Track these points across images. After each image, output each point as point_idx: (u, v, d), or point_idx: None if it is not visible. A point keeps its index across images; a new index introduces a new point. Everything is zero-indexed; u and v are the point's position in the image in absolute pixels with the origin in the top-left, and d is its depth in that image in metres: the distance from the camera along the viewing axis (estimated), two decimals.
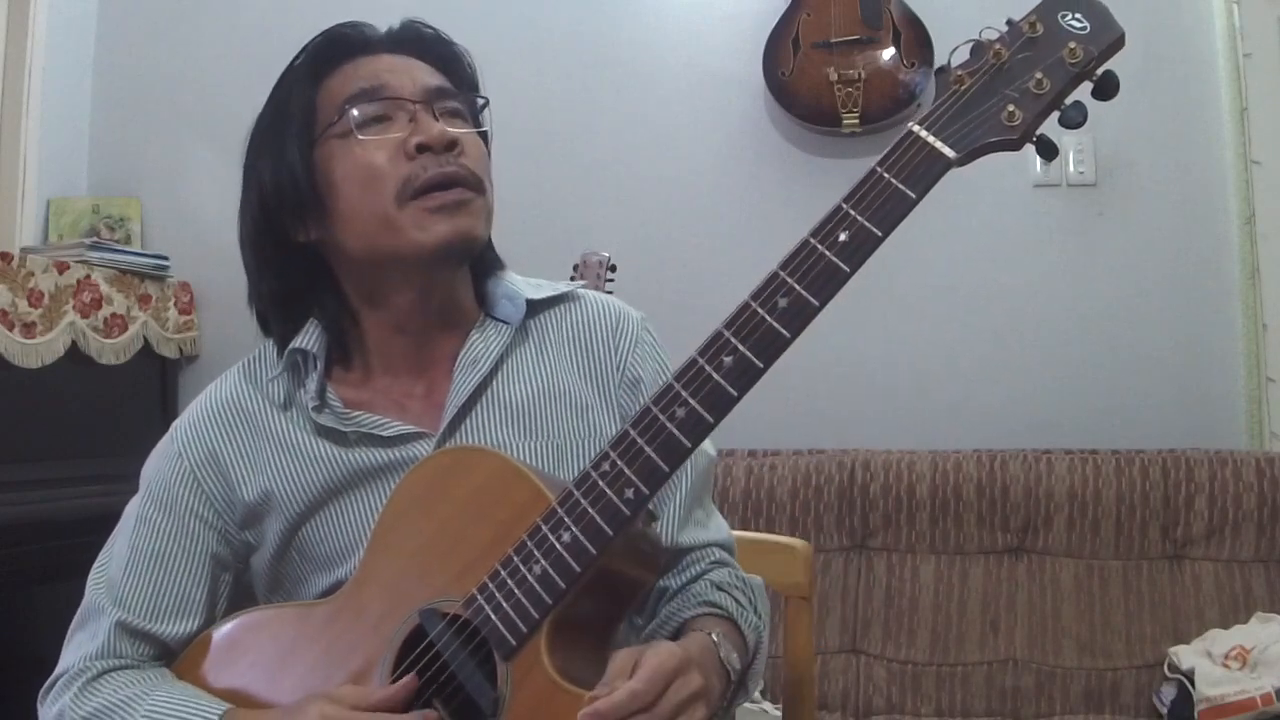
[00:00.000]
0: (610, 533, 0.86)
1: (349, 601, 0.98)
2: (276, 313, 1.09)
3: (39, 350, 2.40)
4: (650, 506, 0.90)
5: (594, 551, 0.86)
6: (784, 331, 0.84)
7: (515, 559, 0.88)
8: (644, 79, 2.87)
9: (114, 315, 2.63)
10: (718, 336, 0.86)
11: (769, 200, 2.76)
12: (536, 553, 0.87)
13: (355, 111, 1.02)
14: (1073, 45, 0.84)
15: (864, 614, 2.34)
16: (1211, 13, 2.67)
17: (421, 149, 1.01)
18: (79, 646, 1.03)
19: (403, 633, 0.93)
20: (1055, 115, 0.86)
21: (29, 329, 2.38)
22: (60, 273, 2.48)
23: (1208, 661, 2.07)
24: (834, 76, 2.62)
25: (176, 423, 1.10)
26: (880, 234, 0.83)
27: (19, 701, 1.25)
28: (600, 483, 0.87)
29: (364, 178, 1.01)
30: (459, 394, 1.04)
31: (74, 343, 2.49)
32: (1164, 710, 2.12)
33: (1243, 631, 2.12)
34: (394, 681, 0.91)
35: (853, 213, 0.84)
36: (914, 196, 0.84)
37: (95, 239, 2.74)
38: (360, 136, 1.02)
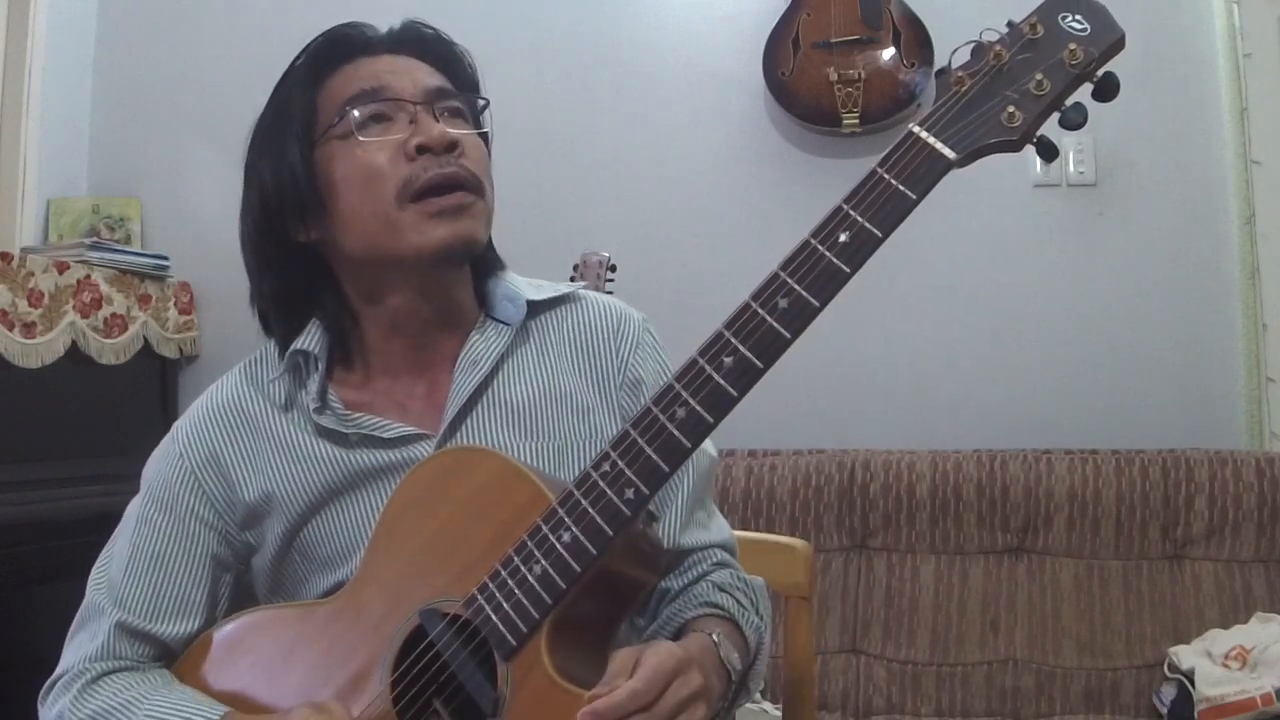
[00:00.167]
0: (610, 533, 0.86)
1: (350, 602, 0.98)
2: (278, 313, 1.09)
3: (39, 350, 2.40)
4: (651, 507, 0.90)
5: (594, 552, 0.86)
6: (784, 332, 0.84)
7: (515, 559, 0.88)
8: (644, 79, 2.87)
9: (114, 315, 2.63)
10: (718, 337, 0.86)
11: (769, 200, 2.76)
12: (537, 553, 0.87)
13: (356, 112, 1.02)
14: (1073, 47, 0.84)
15: (864, 614, 2.34)
16: (1211, 13, 2.67)
17: (422, 150, 1.01)
18: (79, 647, 1.03)
19: (403, 633, 0.93)
20: (1055, 116, 0.86)
21: (29, 329, 2.38)
22: (60, 273, 2.48)
23: (1208, 661, 2.07)
24: (834, 76, 2.62)
25: (177, 424, 1.10)
26: (881, 235, 0.83)
27: (19, 701, 1.26)
28: (600, 483, 0.87)
29: (364, 179, 1.01)
30: (459, 395, 1.04)
31: (74, 343, 2.49)
32: (1164, 710, 2.12)
33: (1243, 631, 2.12)
34: (393, 682, 0.92)
35: (853, 213, 0.84)
36: (914, 197, 0.84)
37: (95, 239, 2.74)
38: (361, 137, 1.02)
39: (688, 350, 0.87)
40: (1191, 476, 2.30)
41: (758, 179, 2.80)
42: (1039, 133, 0.86)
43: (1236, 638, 2.10)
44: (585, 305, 1.13)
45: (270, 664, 0.99)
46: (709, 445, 1.10)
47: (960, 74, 0.87)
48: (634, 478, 0.86)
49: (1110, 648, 2.23)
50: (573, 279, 2.25)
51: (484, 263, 1.11)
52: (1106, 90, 0.86)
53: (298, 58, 1.07)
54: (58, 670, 1.04)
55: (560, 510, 0.87)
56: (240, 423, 1.07)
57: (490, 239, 1.09)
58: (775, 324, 0.84)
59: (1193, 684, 2.04)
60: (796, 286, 0.84)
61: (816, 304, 0.84)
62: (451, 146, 1.02)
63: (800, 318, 0.84)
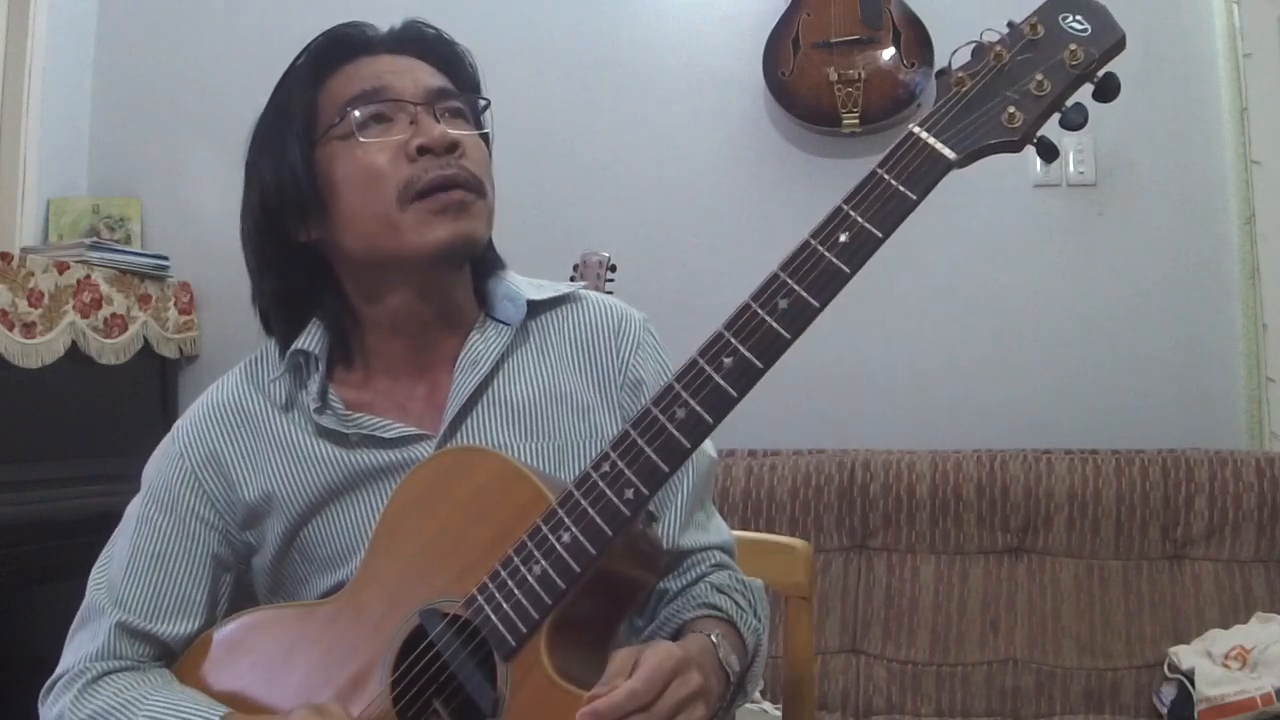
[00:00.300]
0: (610, 533, 0.85)
1: (350, 602, 0.98)
2: (278, 312, 1.09)
3: (39, 350, 2.40)
4: (650, 508, 0.90)
5: (593, 552, 0.86)
6: (784, 333, 0.84)
7: (515, 559, 0.88)
8: (644, 79, 2.87)
9: (114, 315, 2.63)
10: (718, 337, 0.86)
11: (769, 200, 2.76)
12: (536, 553, 0.87)
13: (357, 113, 1.02)
14: (1074, 47, 0.84)
15: (864, 614, 2.34)
16: (1211, 13, 2.67)
17: (422, 151, 1.00)
18: (79, 647, 1.03)
19: (403, 633, 0.93)
20: (1056, 117, 0.86)
21: (29, 329, 2.38)
22: (60, 273, 2.48)
23: (1208, 661, 2.07)
24: (834, 76, 2.62)
25: (178, 423, 1.10)
26: (881, 235, 0.83)
27: (19, 701, 1.26)
28: (600, 483, 0.86)
29: (365, 179, 1.01)
30: (459, 395, 1.04)
31: (74, 343, 2.49)
32: (1164, 710, 2.12)
33: (1243, 631, 2.13)
34: (393, 682, 0.92)
35: (853, 214, 0.84)
36: (914, 198, 0.84)
37: (95, 239, 2.74)
38: (361, 138, 1.02)
39: (688, 350, 0.87)
40: (1191, 476, 2.30)
41: (758, 179, 2.80)
42: (1039, 133, 0.86)
43: (1236, 638, 2.10)
44: (586, 305, 1.13)
45: (271, 664, 0.99)
46: (709, 446, 1.10)
47: (960, 74, 0.87)
48: (633, 478, 0.86)
49: (1110, 648, 2.23)
50: (573, 279, 2.25)
51: (484, 263, 1.11)
52: (1107, 91, 0.86)
53: (299, 57, 1.07)
54: (58, 670, 1.04)
55: (560, 510, 0.87)
56: (240, 422, 1.07)
57: (490, 239, 1.09)
58: (775, 324, 0.84)
59: (1193, 684, 2.04)
60: (796, 287, 0.84)
61: (816, 304, 0.84)
62: (452, 147, 1.02)
63: (800, 318, 0.84)
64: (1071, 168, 2.68)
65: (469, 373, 1.05)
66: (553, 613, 0.86)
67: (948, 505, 2.35)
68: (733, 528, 1.17)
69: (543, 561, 0.87)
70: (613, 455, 0.87)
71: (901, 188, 0.84)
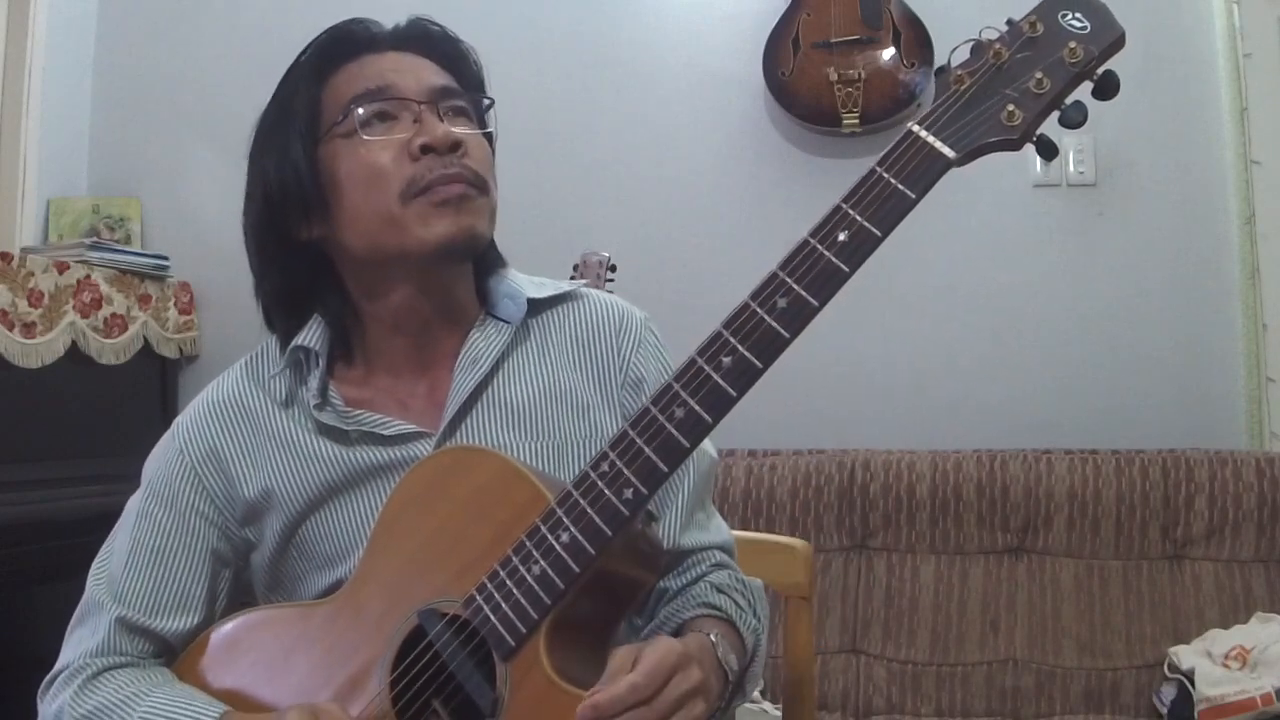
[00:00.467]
0: (609, 533, 0.85)
1: (349, 601, 0.98)
2: (280, 309, 1.09)
3: (39, 350, 2.40)
4: (650, 507, 0.89)
5: (592, 552, 0.85)
6: (783, 332, 0.84)
7: (514, 559, 0.88)
8: (644, 79, 2.87)
9: (114, 315, 2.63)
10: (717, 337, 0.85)
11: (769, 200, 2.76)
12: (535, 553, 0.87)
13: (360, 111, 1.02)
14: (1073, 45, 0.84)
15: (864, 614, 2.34)
16: (1211, 13, 2.67)
17: (426, 150, 1.00)
18: (79, 642, 1.03)
19: (402, 632, 0.93)
20: (1055, 115, 0.86)
21: (29, 329, 2.38)
22: (60, 273, 2.48)
23: (1208, 661, 2.07)
24: (834, 76, 2.62)
25: (178, 419, 1.10)
26: (880, 234, 0.83)
27: (19, 701, 1.25)
28: (599, 483, 0.86)
29: (368, 178, 1.01)
30: (459, 393, 1.04)
31: (74, 343, 2.49)
32: (1164, 710, 2.12)
33: (1243, 631, 2.12)
34: (392, 682, 0.92)
35: (852, 213, 0.84)
36: (914, 196, 0.83)
37: (95, 239, 2.74)
38: (365, 136, 1.02)
39: (688, 350, 0.87)
40: (1191, 476, 2.30)
41: (758, 179, 2.80)
42: (1039, 131, 0.86)
43: (1236, 638, 2.10)
44: (587, 303, 1.13)
45: (270, 663, 0.99)
46: (709, 446, 1.10)
47: (960, 73, 0.86)
48: (632, 478, 0.85)
49: (1110, 648, 2.23)
50: (573, 279, 2.25)
51: (486, 261, 1.11)
52: (1106, 89, 0.85)
53: (303, 54, 1.07)
54: (57, 665, 1.03)
55: (559, 510, 0.87)
56: (241, 418, 1.07)
57: (492, 238, 1.09)
58: (774, 324, 0.84)
59: (1193, 684, 2.04)
60: (795, 286, 0.84)
61: (815, 304, 0.83)
62: (455, 147, 1.01)
63: (799, 317, 0.84)
64: (1071, 168, 2.68)
65: (469, 371, 1.05)
66: (552, 613, 0.86)
67: (948, 505, 2.35)
68: (733, 528, 1.16)
69: (541, 561, 0.87)
70: (611, 455, 0.87)
71: (901, 186, 0.84)
